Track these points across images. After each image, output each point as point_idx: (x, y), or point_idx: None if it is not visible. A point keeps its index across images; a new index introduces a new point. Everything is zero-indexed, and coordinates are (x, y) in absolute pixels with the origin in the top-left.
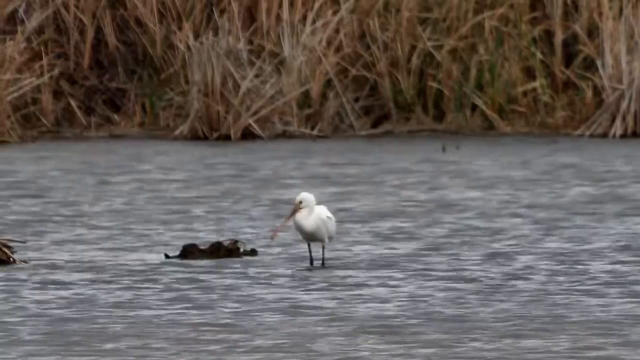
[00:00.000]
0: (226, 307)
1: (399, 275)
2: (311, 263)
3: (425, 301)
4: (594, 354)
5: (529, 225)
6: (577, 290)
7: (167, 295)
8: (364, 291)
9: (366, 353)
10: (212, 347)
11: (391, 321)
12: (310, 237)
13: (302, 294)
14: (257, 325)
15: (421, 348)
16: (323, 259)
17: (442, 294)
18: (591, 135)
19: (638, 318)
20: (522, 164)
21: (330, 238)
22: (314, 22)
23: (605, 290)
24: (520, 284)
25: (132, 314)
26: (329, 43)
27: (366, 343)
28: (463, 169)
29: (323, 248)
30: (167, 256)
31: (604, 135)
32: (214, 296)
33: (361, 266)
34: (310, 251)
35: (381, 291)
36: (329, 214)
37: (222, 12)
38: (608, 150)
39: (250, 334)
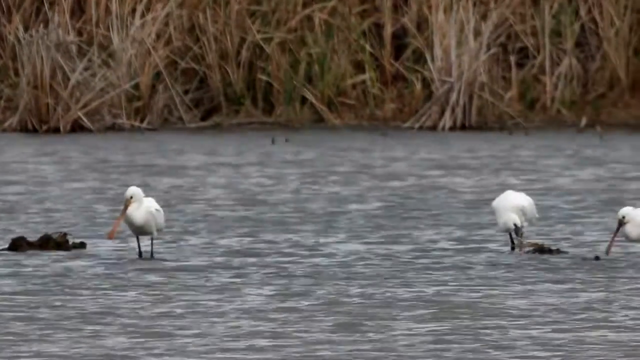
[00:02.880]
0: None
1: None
2: (140, 255)
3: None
4: None
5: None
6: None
7: None
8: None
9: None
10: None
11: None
12: (140, 230)
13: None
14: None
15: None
16: (152, 252)
17: (269, 286)
18: (420, 128)
19: None
20: (349, 155)
21: (158, 231)
22: (143, 15)
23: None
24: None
25: None
26: (158, 36)
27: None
28: (291, 161)
29: (152, 241)
30: None
31: (433, 127)
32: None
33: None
34: (139, 244)
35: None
36: (158, 207)
37: (51, 4)
38: (437, 142)
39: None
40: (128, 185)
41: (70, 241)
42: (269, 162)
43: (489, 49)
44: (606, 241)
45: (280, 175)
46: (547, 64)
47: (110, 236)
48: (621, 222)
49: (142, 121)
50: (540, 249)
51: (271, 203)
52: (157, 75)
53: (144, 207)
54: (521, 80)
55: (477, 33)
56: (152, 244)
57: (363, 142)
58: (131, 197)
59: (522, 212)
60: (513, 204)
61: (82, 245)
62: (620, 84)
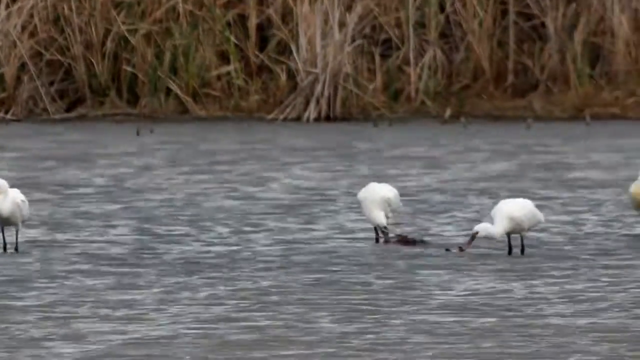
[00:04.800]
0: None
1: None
2: (4, 248)
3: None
4: None
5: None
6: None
7: None
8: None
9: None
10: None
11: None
12: (6, 221)
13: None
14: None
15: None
16: (17, 245)
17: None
18: (285, 119)
19: None
20: (214, 145)
21: (23, 222)
22: (8, 6)
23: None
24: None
25: None
26: (23, 27)
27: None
28: (155, 153)
29: (17, 232)
30: None
31: (298, 119)
32: None
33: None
34: (3, 236)
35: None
36: (23, 198)
37: None
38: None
39: None
40: None
41: None
42: (135, 153)
43: (353, 40)
44: (467, 235)
45: (145, 165)
46: (412, 55)
47: None
48: (473, 237)
49: (6, 112)
50: (405, 240)
51: (134, 193)
52: (22, 66)
53: (10, 198)
54: (386, 72)
55: (342, 24)
56: (17, 236)
57: (227, 134)
58: None
59: (388, 203)
60: (379, 195)
61: None
62: (484, 75)
